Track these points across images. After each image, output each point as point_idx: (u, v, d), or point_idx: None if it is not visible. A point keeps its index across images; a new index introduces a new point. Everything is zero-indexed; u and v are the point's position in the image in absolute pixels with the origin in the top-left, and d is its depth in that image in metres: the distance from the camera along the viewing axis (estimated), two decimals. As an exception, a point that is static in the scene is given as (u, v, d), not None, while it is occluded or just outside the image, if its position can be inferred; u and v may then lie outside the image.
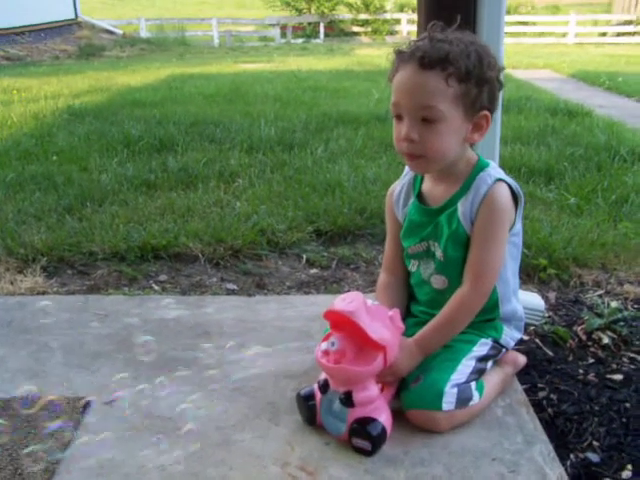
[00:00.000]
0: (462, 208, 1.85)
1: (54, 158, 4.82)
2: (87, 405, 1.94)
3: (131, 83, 9.26)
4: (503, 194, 1.83)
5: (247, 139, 5.23)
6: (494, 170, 1.88)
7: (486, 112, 1.81)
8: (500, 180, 1.84)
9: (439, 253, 1.91)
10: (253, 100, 7.45)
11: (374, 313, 1.69)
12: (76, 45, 16.00)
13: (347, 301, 1.68)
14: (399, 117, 1.79)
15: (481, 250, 1.84)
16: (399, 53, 1.80)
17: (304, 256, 3.08)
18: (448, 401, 1.76)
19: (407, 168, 2.06)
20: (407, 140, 1.76)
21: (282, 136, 5.34)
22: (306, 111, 6.55)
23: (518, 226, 1.93)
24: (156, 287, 2.79)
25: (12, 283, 2.80)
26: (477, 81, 1.76)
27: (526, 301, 2.25)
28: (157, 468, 1.68)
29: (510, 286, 1.97)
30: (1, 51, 13.89)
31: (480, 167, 1.88)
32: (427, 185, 1.98)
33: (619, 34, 21.06)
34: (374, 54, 14.67)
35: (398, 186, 2.06)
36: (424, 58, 1.72)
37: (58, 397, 1.97)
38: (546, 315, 2.46)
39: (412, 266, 2.01)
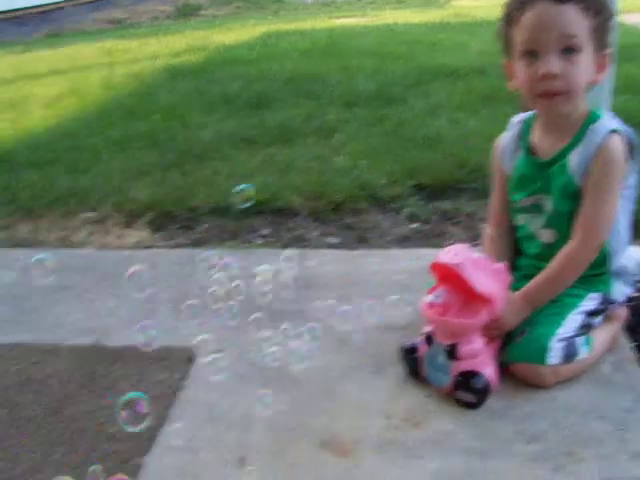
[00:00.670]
0: (574, 160, 1.79)
1: (156, 117, 4.92)
2: (194, 355, 2.00)
3: (227, 41, 9.30)
4: (617, 146, 1.77)
5: (344, 94, 5.19)
6: (608, 121, 1.81)
7: (609, 51, 1.76)
8: (614, 132, 1.78)
9: (549, 206, 1.86)
10: (349, 54, 7.37)
11: (481, 266, 1.68)
12: (173, 5, 16.20)
13: (453, 253, 1.66)
14: (533, 55, 1.73)
15: (593, 204, 1.78)
16: None
17: (405, 210, 3.05)
18: (554, 355, 1.73)
19: (514, 120, 2.01)
20: (549, 76, 1.70)
21: (380, 90, 5.27)
22: (403, 65, 6.43)
23: (632, 179, 1.85)
24: (259, 241, 2.83)
25: (120, 238, 2.91)
26: (605, 17, 1.73)
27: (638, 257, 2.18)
28: (263, 417, 1.72)
29: (621, 240, 1.90)
30: (103, 15, 14.23)
31: (593, 118, 1.82)
32: (536, 137, 1.92)
33: None
34: (472, 5, 14.26)
35: (505, 138, 2.01)
36: None
37: (167, 347, 2.04)
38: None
39: (520, 220, 1.97)
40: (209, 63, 7.26)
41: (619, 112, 2.00)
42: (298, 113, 4.64)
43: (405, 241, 2.79)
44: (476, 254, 1.71)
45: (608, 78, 2.18)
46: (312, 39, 8.82)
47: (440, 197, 3.19)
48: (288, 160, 3.66)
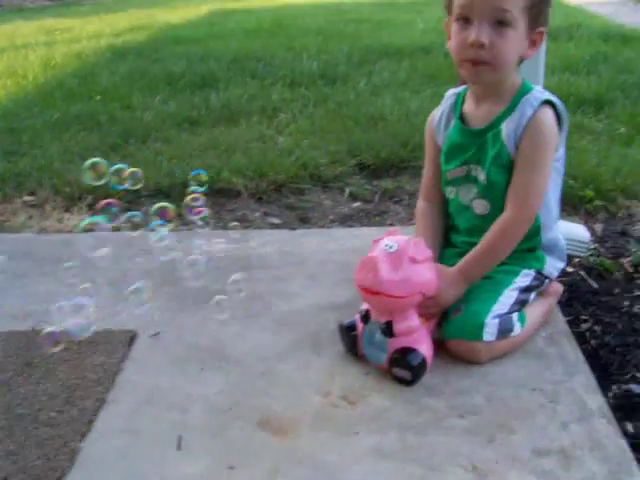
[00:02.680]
0: (506, 130, 1.82)
1: (98, 98, 4.83)
2: (133, 338, 1.99)
3: (172, 20, 9.18)
4: (549, 118, 1.80)
5: (289, 73, 5.16)
6: (540, 93, 1.84)
7: (543, 28, 1.79)
8: (546, 103, 1.81)
9: (482, 176, 1.88)
10: (295, 34, 7.33)
11: (393, 260, 1.67)
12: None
13: (366, 270, 1.67)
14: (466, 21, 1.74)
15: (525, 174, 1.80)
16: None
17: (347, 190, 3.06)
18: (489, 332, 1.76)
19: (448, 93, 2.04)
20: (476, 45, 1.72)
21: (325, 70, 5.26)
22: (349, 44, 6.42)
23: (561, 151, 1.89)
24: (200, 222, 2.81)
25: (59, 221, 2.86)
26: None
27: (571, 232, 2.23)
28: (202, 397, 1.72)
29: (552, 213, 1.94)
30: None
31: (526, 89, 1.85)
32: (469, 106, 1.94)
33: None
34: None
35: (438, 111, 2.04)
36: None
37: (106, 330, 2.01)
38: (591, 247, 2.42)
39: (450, 193, 1.99)
40: (153, 42, 7.16)
41: (555, 89, 2.04)
42: (242, 93, 4.60)
43: (347, 220, 2.80)
44: (395, 244, 1.70)
45: (542, 55, 2.21)
46: (258, 18, 8.75)
47: (382, 176, 3.21)
48: (231, 140, 3.64)
